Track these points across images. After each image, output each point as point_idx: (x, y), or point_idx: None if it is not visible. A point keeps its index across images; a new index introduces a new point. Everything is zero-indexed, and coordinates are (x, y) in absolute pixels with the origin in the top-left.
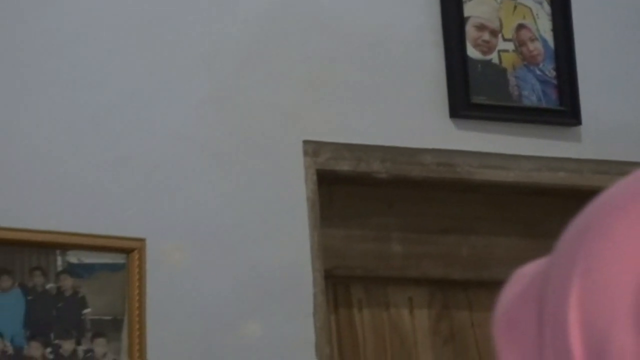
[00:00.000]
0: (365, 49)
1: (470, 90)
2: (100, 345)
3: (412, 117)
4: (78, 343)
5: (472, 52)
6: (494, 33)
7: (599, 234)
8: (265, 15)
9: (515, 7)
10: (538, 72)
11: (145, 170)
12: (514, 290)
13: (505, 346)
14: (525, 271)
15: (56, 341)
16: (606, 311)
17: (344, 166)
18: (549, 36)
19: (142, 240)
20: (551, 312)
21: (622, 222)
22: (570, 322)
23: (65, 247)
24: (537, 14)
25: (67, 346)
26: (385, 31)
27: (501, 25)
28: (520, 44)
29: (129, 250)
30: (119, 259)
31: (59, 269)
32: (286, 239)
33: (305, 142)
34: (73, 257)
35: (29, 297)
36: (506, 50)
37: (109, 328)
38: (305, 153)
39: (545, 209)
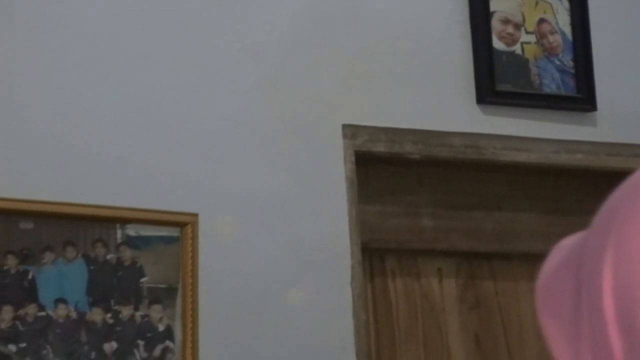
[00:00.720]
0: (400, 41)
1: (495, 78)
2: (156, 311)
3: (442, 103)
4: (136, 309)
5: (497, 43)
6: (517, 26)
7: (630, 212)
8: (309, 10)
9: (536, 3)
10: (557, 63)
11: (199, 151)
12: (553, 262)
13: (546, 312)
14: (563, 244)
15: (116, 307)
16: (636, 278)
17: (380, 148)
18: (567, 29)
19: (195, 215)
20: (587, 280)
21: None
22: (604, 288)
23: (124, 221)
24: (556, 9)
25: (126, 312)
26: (418, 25)
27: (524, 19)
28: (541, 36)
29: (183, 224)
30: (173, 232)
31: (119, 241)
32: (326, 214)
33: (344, 126)
34: (132, 230)
35: (92, 267)
36: (528, 42)
37: (164, 295)
38: (344, 136)
39: (563, 187)
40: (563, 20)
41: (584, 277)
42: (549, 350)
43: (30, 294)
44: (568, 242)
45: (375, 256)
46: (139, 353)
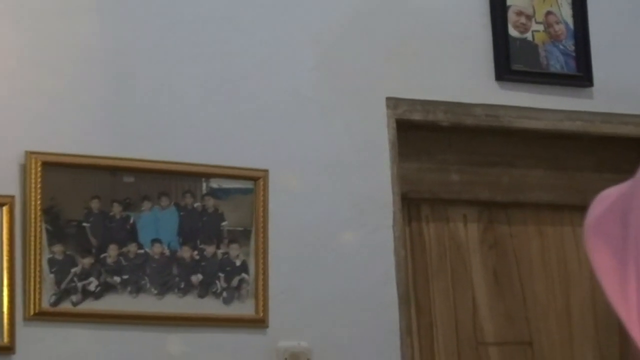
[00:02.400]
0: (433, 30)
1: (511, 60)
2: (234, 249)
3: (467, 80)
4: (217, 247)
5: (512, 31)
6: (528, 18)
7: None
8: (359, 3)
9: None
10: (561, 47)
11: (270, 119)
12: (601, 206)
13: (595, 249)
14: (609, 193)
15: (201, 246)
16: None
17: (416, 116)
18: (569, 20)
19: (265, 171)
20: (635, 223)
21: None
22: None
23: (208, 176)
24: (561, 3)
25: (210, 250)
26: (447, 15)
27: (534, 11)
28: (548, 25)
29: (256, 179)
30: (248, 184)
31: (204, 192)
32: (373, 171)
33: (388, 99)
34: (214, 183)
35: (182, 213)
36: (538, 31)
37: (241, 236)
38: (388, 106)
39: (565, 149)
40: (566, 13)
41: (632, 221)
42: (598, 279)
43: (132, 235)
44: (611, 192)
45: (412, 205)
46: (220, 283)
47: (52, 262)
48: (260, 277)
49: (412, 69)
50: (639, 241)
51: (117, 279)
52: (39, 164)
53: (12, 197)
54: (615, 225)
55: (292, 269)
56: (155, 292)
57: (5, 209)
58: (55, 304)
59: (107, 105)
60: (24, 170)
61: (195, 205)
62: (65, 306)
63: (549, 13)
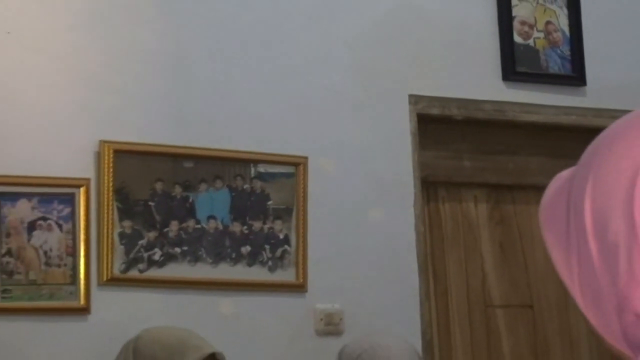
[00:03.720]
0: (449, 36)
1: (516, 62)
2: (278, 225)
3: (478, 80)
4: (264, 223)
5: (517, 38)
6: (531, 27)
7: (605, 155)
8: (388, 10)
9: (545, 10)
10: (559, 52)
11: (309, 113)
12: (551, 189)
13: (546, 227)
14: (560, 175)
15: (250, 221)
16: (608, 202)
17: (434, 111)
18: (566, 29)
19: (305, 157)
20: (574, 201)
21: (620, 142)
22: (585, 208)
23: (256, 162)
24: (558, 15)
25: (257, 225)
26: (461, 24)
27: (536, 21)
28: (547, 33)
29: (297, 164)
30: (290, 169)
31: (252, 175)
32: (397, 157)
33: (410, 96)
34: (261, 168)
35: (233, 194)
36: (539, 38)
37: (284, 213)
38: (410, 103)
39: (562, 139)
40: (563, 22)
41: (572, 201)
42: (550, 255)
43: (190, 212)
44: (562, 175)
45: (430, 187)
46: (266, 254)
47: (122, 235)
48: (300, 248)
49: (430, 70)
50: (577, 220)
51: (177, 250)
52: (111, 151)
53: (88, 179)
54: (561, 205)
55: (328, 241)
56: (210, 261)
57: (82, 190)
58: (124, 271)
59: (169, 101)
60: (98, 156)
61: (245, 186)
62: (133, 273)
63: (548, 22)
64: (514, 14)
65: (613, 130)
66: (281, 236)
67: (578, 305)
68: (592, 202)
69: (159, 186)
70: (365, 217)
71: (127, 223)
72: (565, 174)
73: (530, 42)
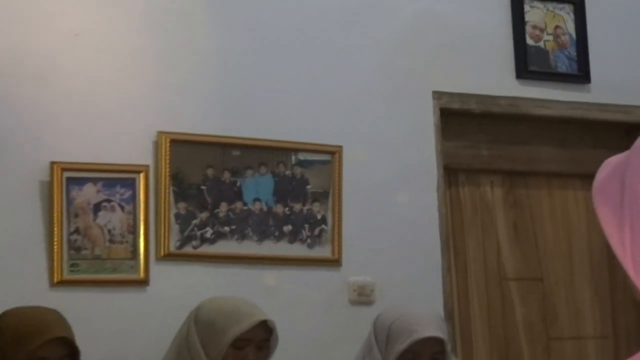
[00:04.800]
0: (468, 39)
1: (528, 62)
2: (316, 206)
3: (494, 77)
4: (303, 205)
5: (529, 41)
6: (542, 30)
7: None
8: (414, 16)
9: (554, 15)
10: (566, 53)
11: (343, 107)
12: (604, 171)
13: (600, 205)
14: (609, 161)
15: (291, 203)
16: None
17: (455, 105)
18: (572, 32)
19: (340, 146)
20: (629, 181)
21: None
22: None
23: (297, 150)
24: (566, 20)
25: (297, 206)
26: (479, 28)
27: (546, 26)
28: (556, 36)
29: (333, 153)
30: (327, 157)
31: (293, 162)
32: (422, 147)
33: (433, 92)
34: (301, 156)
35: (276, 179)
36: (548, 40)
37: (321, 196)
38: (433, 98)
39: (569, 131)
40: (570, 27)
41: (626, 181)
42: (603, 231)
43: (238, 195)
44: (612, 160)
45: (451, 173)
46: (305, 232)
47: (177, 215)
48: (336, 227)
49: (451, 69)
50: (631, 199)
51: (226, 228)
52: (167, 141)
53: (147, 166)
54: (614, 186)
55: (360, 221)
56: (256, 238)
57: (142, 175)
58: (179, 247)
59: (219, 96)
60: (156, 146)
61: (287, 172)
62: (187, 249)
63: (557, 27)
64: (526, 19)
65: None
66: (319, 216)
67: (629, 277)
68: None
69: (210, 172)
70: (393, 200)
71: (181, 205)
72: (614, 159)
73: (541, 44)
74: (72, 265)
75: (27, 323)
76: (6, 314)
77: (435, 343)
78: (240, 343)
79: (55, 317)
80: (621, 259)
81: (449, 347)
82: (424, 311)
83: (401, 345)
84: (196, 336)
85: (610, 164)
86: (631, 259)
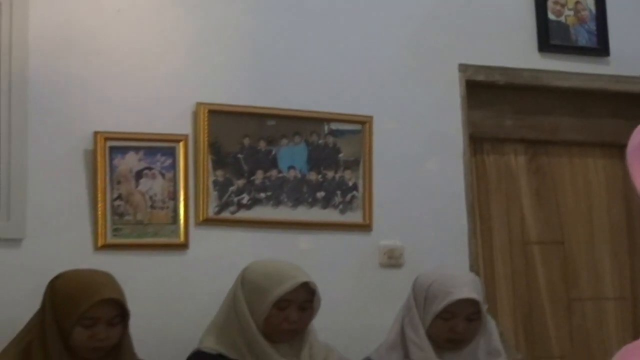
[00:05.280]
0: (493, 14)
1: (550, 36)
2: (347, 174)
3: (518, 51)
4: (336, 172)
5: (551, 16)
6: (562, 5)
7: None
8: None
9: None
10: (586, 27)
11: (374, 79)
12: (638, 136)
13: (635, 167)
14: None
15: (324, 171)
16: None
17: (480, 77)
18: (592, 7)
19: (371, 116)
20: None
21: None
22: None
23: (329, 120)
24: None
25: (330, 174)
26: (503, 4)
27: (566, 1)
28: (576, 11)
29: (364, 122)
30: (358, 127)
31: (326, 132)
32: (449, 117)
33: (460, 65)
34: (333, 126)
35: (310, 147)
36: (569, 15)
37: (352, 164)
38: (459, 70)
39: (589, 101)
40: (590, 2)
41: None
42: (637, 191)
43: (273, 163)
44: None
45: (477, 142)
46: (337, 198)
47: (215, 183)
48: (367, 193)
49: (477, 43)
50: None
51: (262, 195)
52: (205, 111)
53: (187, 135)
54: None
55: (390, 188)
56: (290, 204)
57: (181, 144)
58: (217, 213)
59: (255, 68)
60: (195, 116)
61: (320, 141)
62: (225, 215)
63: (577, 2)
64: None
65: None
66: (350, 183)
67: None
68: None
69: (246, 141)
70: (421, 167)
71: (219, 172)
72: None
73: (562, 19)
74: (115, 229)
75: (80, 285)
76: (61, 276)
77: (470, 304)
78: (282, 303)
79: (107, 280)
80: None
81: (484, 309)
82: (461, 274)
83: (438, 306)
84: (242, 296)
85: None
86: None
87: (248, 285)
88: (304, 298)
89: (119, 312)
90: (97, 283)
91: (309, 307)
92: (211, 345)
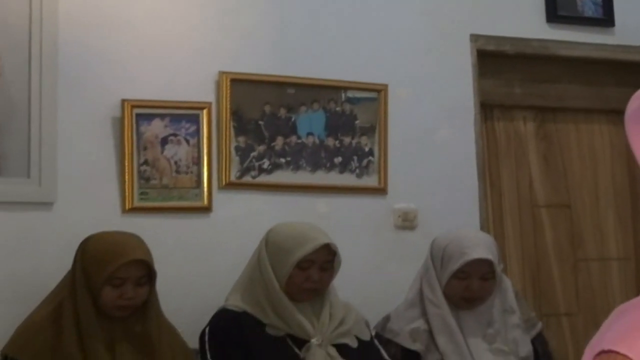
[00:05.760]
0: None
1: (557, 8)
2: (364, 140)
3: (527, 22)
4: (352, 138)
5: None
6: None
7: None
8: None
9: None
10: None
11: (389, 49)
12: (635, 103)
13: (633, 132)
14: None
15: (341, 137)
16: None
17: (491, 47)
18: None
19: (386, 85)
20: None
21: None
22: None
23: (346, 88)
24: None
25: (347, 140)
26: None
27: None
28: None
29: (379, 91)
30: (374, 95)
31: (343, 99)
32: (461, 85)
33: (471, 35)
34: (350, 94)
35: (327, 114)
36: None
37: (368, 130)
38: (471, 41)
39: (595, 70)
40: None
41: None
42: (635, 156)
43: (293, 129)
44: None
45: (487, 109)
46: (354, 163)
47: (237, 148)
48: (382, 159)
49: (487, 14)
50: None
51: (282, 160)
52: (228, 80)
53: (210, 103)
54: None
55: (404, 153)
56: (309, 169)
57: (205, 111)
58: (239, 177)
59: (275, 39)
60: (218, 85)
61: (337, 109)
62: (246, 179)
63: None
64: None
65: None
66: (366, 149)
67: None
68: None
69: (267, 108)
70: (434, 133)
71: (241, 138)
72: None
73: None
74: (142, 193)
75: (109, 246)
76: (91, 237)
77: (484, 264)
78: (304, 264)
79: (135, 241)
80: None
81: (499, 268)
82: (476, 235)
83: (454, 266)
84: (266, 257)
85: None
86: None
87: (272, 246)
88: (325, 259)
89: (146, 272)
90: (125, 245)
91: (330, 268)
92: (236, 304)
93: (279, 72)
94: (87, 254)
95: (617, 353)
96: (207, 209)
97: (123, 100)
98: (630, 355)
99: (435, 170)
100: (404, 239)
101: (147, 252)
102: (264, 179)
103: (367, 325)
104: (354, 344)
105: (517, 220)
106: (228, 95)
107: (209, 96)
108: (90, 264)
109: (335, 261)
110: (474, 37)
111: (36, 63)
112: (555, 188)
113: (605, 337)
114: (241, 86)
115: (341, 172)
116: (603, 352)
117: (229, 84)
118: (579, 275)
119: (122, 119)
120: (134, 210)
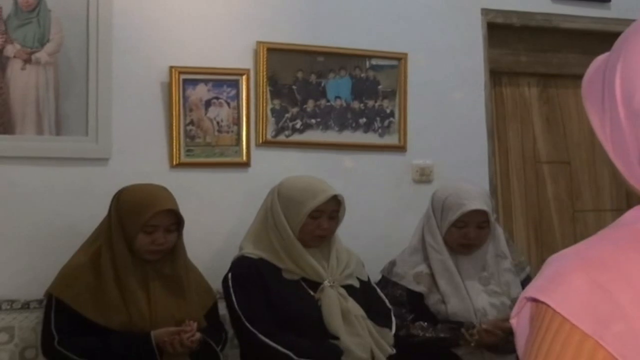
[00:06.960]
0: None
1: None
2: (385, 102)
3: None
4: (375, 101)
5: None
6: None
7: (633, 37)
8: None
9: None
10: None
11: (410, 21)
12: (592, 68)
13: (587, 97)
14: (598, 58)
15: (365, 100)
16: (634, 77)
17: (499, 20)
18: None
19: (405, 53)
20: (608, 77)
21: None
22: (616, 82)
23: (370, 56)
24: None
25: (370, 103)
26: None
27: None
28: None
29: (400, 58)
30: (395, 62)
31: (367, 67)
32: (473, 54)
33: (482, 9)
34: (374, 61)
35: (353, 80)
36: None
37: (390, 95)
38: (482, 14)
39: (592, 41)
40: None
41: (606, 77)
42: (589, 120)
43: (322, 94)
44: (599, 58)
45: (496, 76)
46: (377, 124)
47: (273, 110)
48: (402, 120)
49: None
50: (610, 91)
51: (313, 121)
52: (264, 49)
53: (248, 70)
54: (598, 80)
55: (422, 114)
56: (337, 129)
57: (244, 77)
58: (274, 136)
59: (307, 11)
60: (255, 53)
61: (362, 75)
62: (281, 137)
63: None
64: None
65: (637, 25)
66: (388, 111)
67: (609, 157)
68: (621, 77)
69: (299, 75)
70: (449, 97)
71: (276, 101)
72: (601, 57)
73: None
74: (188, 150)
75: (142, 197)
76: (124, 190)
77: (481, 214)
78: (315, 214)
79: (164, 193)
80: (603, 144)
81: (492, 218)
82: (473, 188)
83: (453, 216)
84: (279, 207)
85: (597, 61)
86: (611, 143)
87: (284, 199)
88: (332, 208)
89: (175, 220)
90: (156, 196)
91: (336, 217)
92: (252, 251)
93: (310, 42)
94: (122, 204)
95: (538, 301)
96: (245, 164)
97: (171, 67)
98: (549, 302)
99: (449, 130)
100: (422, 191)
101: (175, 202)
102: (296, 137)
103: (363, 265)
104: (356, 284)
105: (521, 175)
106: (264, 62)
107: (248, 63)
108: (125, 214)
109: (340, 210)
110: (485, 11)
111: (93, 32)
112: (556, 146)
113: (532, 285)
114: (276, 54)
115: (365, 131)
116: (528, 298)
117: (265, 52)
118: (577, 225)
119: (170, 83)
120: (181, 165)
